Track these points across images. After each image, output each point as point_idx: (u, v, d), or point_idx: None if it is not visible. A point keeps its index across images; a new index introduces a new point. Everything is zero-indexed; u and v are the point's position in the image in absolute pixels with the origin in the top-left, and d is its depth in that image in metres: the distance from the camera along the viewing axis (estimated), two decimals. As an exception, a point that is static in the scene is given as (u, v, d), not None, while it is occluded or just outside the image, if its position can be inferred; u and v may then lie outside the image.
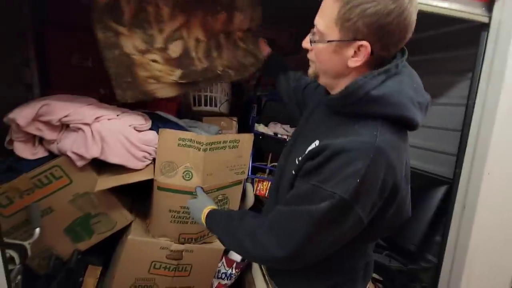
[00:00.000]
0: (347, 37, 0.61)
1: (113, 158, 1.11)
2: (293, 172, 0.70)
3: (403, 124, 0.66)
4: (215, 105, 2.10)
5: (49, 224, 1.15)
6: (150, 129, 1.27)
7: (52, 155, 1.16)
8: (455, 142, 1.37)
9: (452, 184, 1.39)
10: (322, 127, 0.73)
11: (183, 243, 1.22)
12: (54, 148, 1.13)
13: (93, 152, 1.08)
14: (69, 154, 1.08)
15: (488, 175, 1.24)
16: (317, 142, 0.67)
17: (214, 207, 0.87)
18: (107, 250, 1.38)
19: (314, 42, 0.67)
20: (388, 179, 0.61)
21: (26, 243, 0.95)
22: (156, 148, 1.17)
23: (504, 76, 1.17)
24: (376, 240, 0.84)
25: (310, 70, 0.74)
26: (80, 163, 1.09)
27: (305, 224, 0.61)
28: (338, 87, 0.69)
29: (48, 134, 1.10)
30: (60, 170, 1.12)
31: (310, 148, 0.68)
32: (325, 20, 0.64)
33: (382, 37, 0.60)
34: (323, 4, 0.65)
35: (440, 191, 1.59)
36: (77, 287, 1.24)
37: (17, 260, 0.88)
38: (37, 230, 1.08)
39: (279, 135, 2.05)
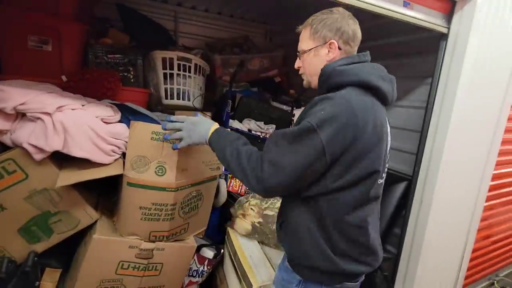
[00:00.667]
0: (320, 43, 0.93)
1: (77, 151, 1.02)
2: None
3: (367, 89, 0.85)
4: (188, 99, 2.04)
5: (0, 224, 1.04)
6: (119, 121, 1.20)
7: (3, 147, 1.04)
8: (416, 142, 1.49)
9: (411, 180, 1.51)
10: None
11: (153, 241, 1.16)
12: (7, 139, 1.01)
13: (54, 144, 0.98)
14: (26, 146, 0.97)
15: (442, 173, 1.37)
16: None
17: (218, 125, 0.99)
18: (67, 251, 1.28)
19: (302, 55, 0.97)
20: (350, 122, 0.77)
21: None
22: (125, 141, 1.11)
23: (459, 83, 1.29)
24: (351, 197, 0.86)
25: (304, 82, 1.01)
26: (38, 156, 0.99)
27: (275, 142, 0.81)
28: None
29: (1, 124, 0.99)
30: (14, 164, 1.01)
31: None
32: (303, 42, 0.96)
33: (341, 35, 0.91)
34: (300, 36, 0.98)
35: (401, 187, 1.71)
36: (33, 291, 1.13)
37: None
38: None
39: (253, 132, 2.06)
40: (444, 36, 1.32)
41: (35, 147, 0.98)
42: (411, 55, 1.66)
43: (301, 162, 0.76)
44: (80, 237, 1.22)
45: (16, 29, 1.37)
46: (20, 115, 1.02)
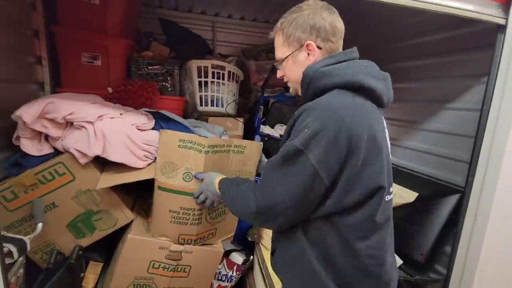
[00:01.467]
0: (296, 47, 0.82)
1: (114, 156, 1.12)
2: None
3: (358, 91, 0.74)
4: (222, 106, 2.10)
5: (52, 220, 1.18)
6: (153, 128, 1.28)
7: (57, 152, 1.19)
8: (469, 148, 1.31)
9: (463, 193, 1.33)
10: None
11: (182, 244, 1.21)
12: (59, 145, 1.16)
13: (95, 150, 1.09)
14: (72, 151, 1.10)
15: (502, 184, 1.17)
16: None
17: (223, 176, 1.01)
18: (108, 247, 1.40)
19: (281, 65, 0.87)
20: (337, 129, 0.67)
21: (26, 238, 0.97)
22: (157, 147, 1.18)
23: (522, 80, 1.10)
24: (353, 212, 0.75)
25: (291, 90, 0.91)
26: (82, 160, 1.11)
27: (268, 170, 0.74)
28: None
29: (53, 132, 1.13)
30: (63, 167, 1.14)
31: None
32: (278, 50, 0.87)
33: (317, 32, 0.79)
34: (274, 43, 0.88)
35: (452, 200, 1.52)
36: (77, 282, 1.26)
37: (15, 254, 0.89)
38: (40, 225, 1.10)
39: (285, 137, 2.03)
40: (501, 28, 1.14)
41: (80, 152, 1.10)
42: (461, 51, 1.47)
43: (294, 190, 0.69)
44: (119, 236, 1.32)
45: (73, 48, 1.56)
46: (69, 124, 1.16)
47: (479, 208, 1.24)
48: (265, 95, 2.52)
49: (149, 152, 1.19)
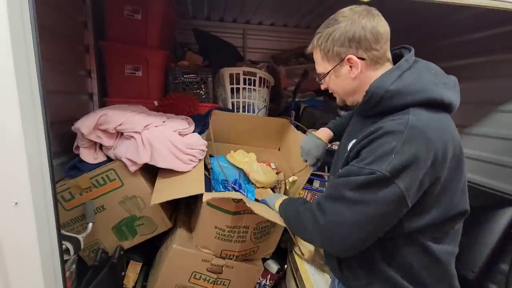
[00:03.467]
0: (336, 62, 0.78)
1: (162, 163, 1.19)
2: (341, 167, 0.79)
3: (436, 107, 0.70)
4: (253, 111, 2.12)
5: (100, 221, 1.27)
6: (194, 131, 1.34)
7: (109, 160, 1.30)
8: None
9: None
10: (359, 127, 0.81)
11: (224, 258, 1.23)
12: (111, 154, 1.26)
13: (144, 158, 1.17)
14: (124, 160, 1.19)
15: None
16: (354, 141, 0.77)
17: (283, 198, 1.01)
18: (147, 249, 1.47)
19: (323, 80, 0.84)
20: (428, 154, 0.64)
21: (80, 236, 1.06)
22: (200, 149, 1.23)
23: None
24: (432, 233, 0.74)
25: (337, 100, 0.88)
26: (133, 168, 1.20)
27: (345, 190, 0.68)
28: (361, 96, 0.78)
29: (106, 141, 1.23)
30: (114, 173, 1.23)
31: (350, 144, 0.78)
32: (318, 65, 0.83)
33: (358, 44, 0.74)
34: (314, 58, 0.85)
35: (509, 212, 1.36)
36: (119, 279, 1.34)
37: (71, 251, 0.98)
38: (90, 225, 1.20)
39: (317, 143, 1.99)
40: None
41: (130, 160, 1.19)
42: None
43: (370, 220, 0.66)
44: (157, 238, 1.38)
45: (118, 60, 1.69)
46: (119, 134, 1.25)
47: (543, 223, 1.09)
48: (296, 100, 2.51)
49: (193, 156, 1.24)
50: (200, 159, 1.27)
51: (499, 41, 1.41)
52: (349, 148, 0.78)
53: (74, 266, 1.17)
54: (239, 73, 2.00)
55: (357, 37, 0.73)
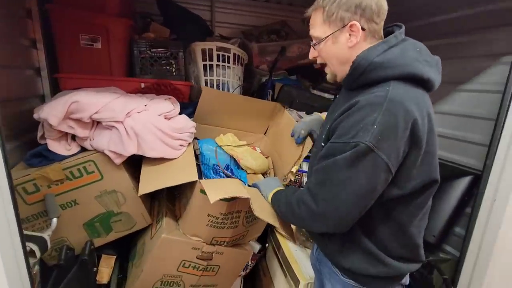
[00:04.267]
0: (338, 27, 0.75)
1: (150, 152, 1.07)
2: (322, 145, 0.79)
3: (416, 82, 0.71)
4: (228, 90, 2.02)
5: (69, 217, 1.12)
6: (180, 113, 1.22)
7: (83, 150, 1.13)
8: (487, 131, 1.30)
9: (481, 176, 1.34)
10: (342, 101, 0.81)
11: (214, 245, 1.18)
12: (87, 144, 1.10)
13: (130, 149, 1.04)
14: (107, 152, 1.05)
15: (524, 168, 1.18)
16: (337, 115, 0.76)
17: (278, 188, 1.00)
18: (121, 240, 1.35)
19: (317, 45, 0.80)
20: (407, 125, 0.66)
21: (46, 235, 0.91)
22: (190, 133, 1.12)
23: (550, 61, 1.08)
24: (409, 203, 0.77)
25: (328, 75, 0.85)
26: (118, 160, 1.06)
27: (334, 172, 0.69)
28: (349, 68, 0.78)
29: (80, 132, 1.07)
30: (93, 165, 1.08)
31: (333, 117, 0.78)
32: (316, 27, 0.79)
33: (362, 12, 0.73)
34: (310, 20, 0.81)
35: (464, 182, 1.53)
36: (91, 276, 1.21)
37: (37, 253, 0.84)
38: (55, 220, 1.05)
39: (294, 123, 1.98)
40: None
41: (115, 153, 1.04)
42: (482, 29, 1.43)
43: (362, 191, 0.68)
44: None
45: (70, 29, 1.43)
46: (95, 123, 1.08)
47: (498, 192, 1.25)
48: (265, 78, 2.45)
49: (183, 140, 1.14)
50: (189, 143, 1.17)
51: (457, 25, 1.51)
52: (332, 120, 0.78)
53: (37, 267, 1.02)
54: (212, 49, 1.86)
55: (364, 5, 0.72)
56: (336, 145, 0.70)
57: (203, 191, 1.03)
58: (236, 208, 1.10)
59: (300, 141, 1.15)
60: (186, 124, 1.17)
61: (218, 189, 0.94)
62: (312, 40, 0.82)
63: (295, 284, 1.33)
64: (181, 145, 1.15)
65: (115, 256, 1.33)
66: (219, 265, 1.22)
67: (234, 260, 1.27)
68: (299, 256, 1.43)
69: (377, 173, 0.67)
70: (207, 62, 1.87)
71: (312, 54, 0.85)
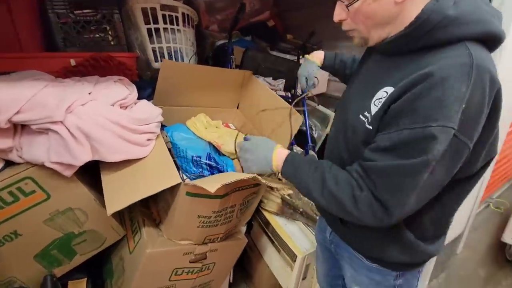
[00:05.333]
0: None
1: (112, 156, 0.81)
2: (368, 127, 0.63)
3: (490, 43, 0.59)
4: (182, 59, 1.71)
5: (13, 252, 0.85)
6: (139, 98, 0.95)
7: (9, 163, 0.81)
8: None
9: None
10: (389, 70, 0.64)
11: (207, 244, 1.05)
12: (14, 157, 0.78)
13: (83, 156, 0.77)
14: (50, 165, 0.76)
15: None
16: (388, 88, 0.60)
17: (281, 147, 0.78)
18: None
19: (350, 5, 0.62)
20: (491, 98, 0.54)
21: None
22: (158, 122, 0.89)
23: None
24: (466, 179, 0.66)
25: (356, 40, 0.69)
26: (68, 172, 0.79)
27: (418, 175, 0.54)
28: (395, 28, 0.62)
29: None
30: (32, 184, 0.80)
31: (378, 96, 0.62)
32: None
33: None
34: None
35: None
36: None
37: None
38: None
39: (262, 90, 1.82)
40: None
41: (62, 164, 0.76)
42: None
43: (442, 180, 0.57)
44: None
45: None
46: (19, 127, 0.76)
47: None
48: (219, 41, 2.17)
49: (151, 132, 0.89)
50: (158, 135, 0.94)
51: None
52: (382, 96, 0.61)
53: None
54: (155, 8, 1.50)
55: None
56: (406, 133, 0.54)
57: (190, 194, 0.87)
58: (230, 203, 0.97)
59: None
60: (151, 112, 0.92)
61: (212, 181, 0.78)
62: (343, 1, 0.64)
63: (291, 259, 1.32)
64: (149, 140, 0.92)
65: (85, 278, 1.11)
66: (215, 262, 1.12)
67: (229, 252, 1.18)
68: (290, 231, 1.41)
69: (458, 161, 0.56)
70: (152, 26, 1.52)
71: (339, 15, 0.66)
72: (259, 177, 0.77)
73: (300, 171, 0.69)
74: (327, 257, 0.99)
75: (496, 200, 2.52)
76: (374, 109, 0.62)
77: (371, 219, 0.60)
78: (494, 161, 1.65)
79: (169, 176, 0.84)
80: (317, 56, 1.01)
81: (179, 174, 0.89)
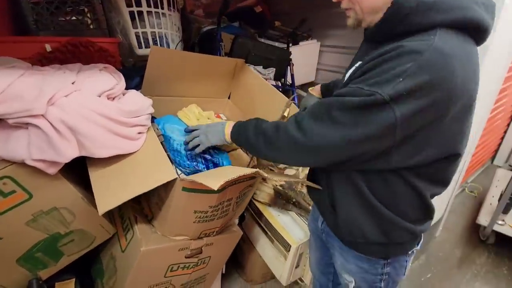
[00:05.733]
0: None
1: (100, 151, 0.75)
2: None
3: (469, 32, 0.58)
4: (167, 46, 1.62)
5: (-7, 257, 0.77)
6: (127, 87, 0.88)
7: None
8: None
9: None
10: (367, 52, 0.67)
11: (202, 238, 1.02)
12: None
13: (68, 152, 0.70)
14: (31, 163, 0.68)
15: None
16: (359, 62, 0.66)
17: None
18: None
19: None
20: (442, 86, 0.53)
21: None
22: (149, 114, 0.84)
23: None
24: (426, 171, 0.67)
25: (350, 20, 0.69)
26: (52, 170, 0.72)
27: (335, 110, 0.60)
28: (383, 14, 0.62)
29: None
30: (12, 183, 0.72)
31: (353, 67, 0.68)
32: None
33: None
34: None
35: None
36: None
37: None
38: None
39: (252, 79, 1.77)
40: None
41: (45, 161, 0.69)
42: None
43: (356, 140, 0.58)
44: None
45: None
46: None
47: None
48: (206, 27, 2.08)
49: (142, 125, 0.83)
50: (149, 127, 0.88)
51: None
52: (350, 71, 0.67)
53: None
54: (138, -11, 1.40)
55: None
56: (349, 89, 0.59)
57: (186, 189, 0.83)
58: (227, 196, 0.94)
59: None
60: (142, 103, 0.85)
61: (213, 177, 0.75)
62: None
63: (285, 248, 1.33)
64: (139, 133, 0.86)
65: (73, 279, 1.06)
66: (210, 256, 1.10)
67: (224, 245, 1.16)
68: (283, 221, 1.42)
69: (379, 128, 0.56)
70: (134, 8, 1.42)
71: None
72: (261, 171, 0.75)
73: (244, 129, 0.79)
74: (319, 246, 1.01)
75: (470, 184, 2.67)
76: (345, 79, 0.67)
77: (288, 141, 0.66)
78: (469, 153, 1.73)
79: (163, 171, 0.80)
80: (316, 90, 1.04)
81: (174, 168, 0.85)
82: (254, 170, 0.74)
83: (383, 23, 0.61)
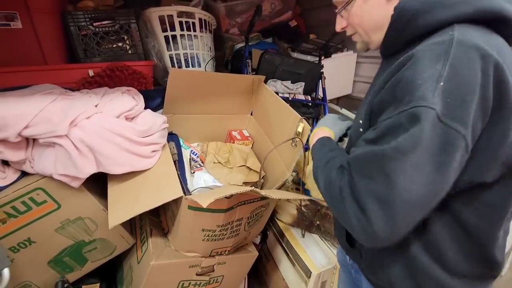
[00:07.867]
0: None
1: (115, 168, 0.83)
2: (360, 130, 0.60)
3: (492, 24, 0.49)
4: (199, 65, 1.71)
5: (28, 258, 0.89)
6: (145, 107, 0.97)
7: (24, 174, 0.86)
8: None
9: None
10: (381, 72, 0.62)
11: (214, 256, 1.02)
12: (27, 167, 0.82)
13: (87, 169, 0.79)
14: (58, 177, 0.79)
15: None
16: (375, 88, 0.57)
17: (333, 133, 0.77)
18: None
19: (344, 10, 0.62)
20: (488, 76, 0.43)
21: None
22: (162, 130, 0.90)
23: None
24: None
25: (359, 45, 0.67)
26: (75, 184, 0.82)
27: (390, 162, 0.45)
28: None
29: (12, 155, 0.78)
30: (44, 194, 0.83)
31: (371, 94, 0.58)
32: None
33: None
34: None
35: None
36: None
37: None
38: (6, 271, 0.80)
39: (279, 95, 1.76)
40: None
41: (68, 176, 0.79)
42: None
43: (432, 179, 0.44)
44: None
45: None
46: (31, 140, 0.80)
47: None
48: (238, 45, 2.14)
49: (156, 143, 0.90)
50: (164, 144, 0.93)
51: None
52: (374, 93, 0.56)
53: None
54: (171, 15, 1.51)
55: None
56: (387, 122, 0.47)
57: (191, 207, 0.84)
58: (236, 216, 0.93)
59: None
60: (154, 121, 0.91)
61: (209, 195, 0.75)
62: (336, 7, 0.63)
63: (306, 274, 1.25)
64: (153, 151, 0.91)
65: (98, 284, 1.15)
66: (223, 275, 1.09)
67: (238, 265, 1.14)
68: (306, 244, 1.34)
69: (452, 155, 0.43)
70: (169, 33, 1.54)
71: (340, 24, 0.65)
72: (257, 189, 0.73)
73: (317, 158, 0.68)
74: (348, 280, 0.91)
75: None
76: (364, 111, 0.58)
77: (354, 218, 0.49)
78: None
79: (171, 189, 0.83)
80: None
81: (184, 187, 0.87)
82: (248, 188, 0.72)
83: (389, 34, 0.57)
